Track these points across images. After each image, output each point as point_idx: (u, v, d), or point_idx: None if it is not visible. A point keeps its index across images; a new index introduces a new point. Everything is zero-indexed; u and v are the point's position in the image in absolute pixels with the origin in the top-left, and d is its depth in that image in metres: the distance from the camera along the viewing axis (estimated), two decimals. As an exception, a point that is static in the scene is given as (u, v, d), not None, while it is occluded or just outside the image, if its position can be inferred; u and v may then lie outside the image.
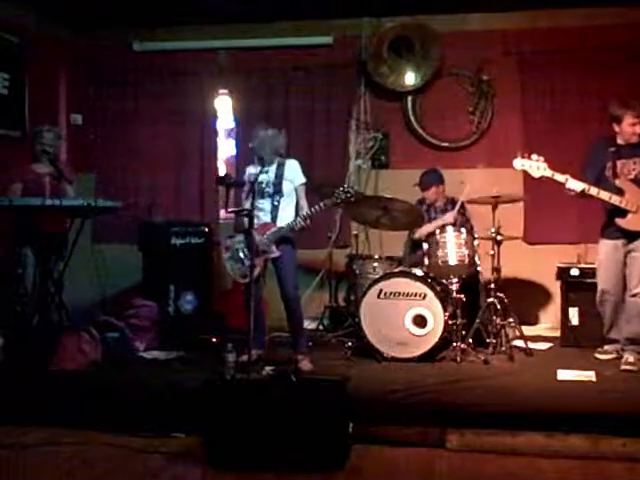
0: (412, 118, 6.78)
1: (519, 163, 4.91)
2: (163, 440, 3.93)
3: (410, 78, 6.68)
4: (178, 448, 3.85)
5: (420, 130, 6.77)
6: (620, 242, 4.91)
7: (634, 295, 4.87)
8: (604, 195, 4.77)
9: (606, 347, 5.14)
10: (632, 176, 4.83)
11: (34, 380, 4.58)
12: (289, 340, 5.12)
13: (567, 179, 4.79)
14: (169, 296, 6.05)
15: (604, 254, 5.00)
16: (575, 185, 4.77)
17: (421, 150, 6.77)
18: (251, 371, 4.27)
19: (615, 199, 4.77)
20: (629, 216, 4.79)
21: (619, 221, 4.83)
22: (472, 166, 6.59)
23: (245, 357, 4.39)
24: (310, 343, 5.32)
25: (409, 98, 6.76)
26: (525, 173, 6.27)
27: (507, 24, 6.56)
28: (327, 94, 6.88)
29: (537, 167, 4.85)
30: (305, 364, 4.91)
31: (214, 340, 5.67)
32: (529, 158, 4.88)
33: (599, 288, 5.05)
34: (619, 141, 4.92)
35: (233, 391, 3.75)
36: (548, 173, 4.83)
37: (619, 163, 4.86)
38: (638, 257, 4.85)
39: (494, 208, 5.34)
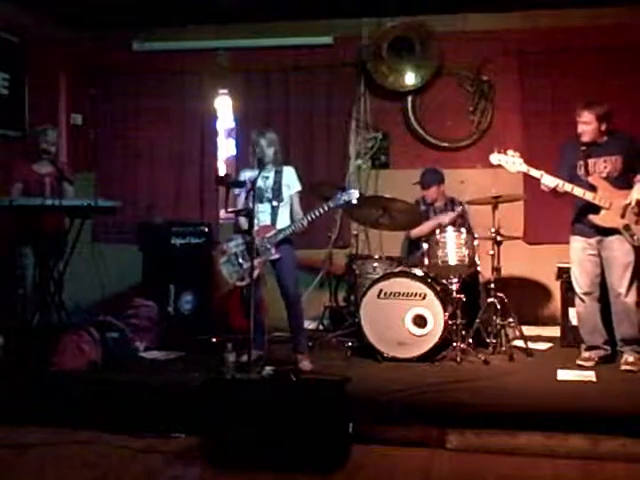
0: (412, 118, 6.78)
1: (495, 158, 4.97)
2: (163, 440, 3.93)
3: (410, 78, 6.68)
4: (178, 448, 3.85)
5: (420, 130, 6.77)
6: (594, 240, 4.91)
7: (619, 295, 4.87)
8: (578, 191, 4.81)
9: (586, 354, 5.03)
10: (604, 174, 4.86)
11: (34, 380, 4.58)
12: (289, 340, 5.13)
13: (542, 175, 4.85)
14: (169, 296, 6.06)
15: (579, 252, 4.98)
16: (549, 181, 4.82)
17: (421, 150, 6.77)
18: (251, 371, 4.27)
19: (589, 195, 4.81)
20: (602, 212, 4.82)
21: (593, 218, 4.85)
22: (472, 166, 6.61)
23: (245, 357, 4.39)
24: (310, 343, 5.32)
25: (409, 98, 6.76)
26: (525, 173, 6.33)
27: (507, 24, 6.56)
28: (327, 94, 6.89)
29: (513, 162, 4.91)
30: (305, 364, 4.91)
31: (214, 340, 5.68)
32: (505, 153, 4.93)
33: (579, 290, 5.01)
34: (585, 139, 4.90)
35: (233, 391, 3.75)
36: (524, 168, 4.89)
37: (590, 162, 4.89)
38: (615, 257, 4.86)
39: (494, 208, 5.34)
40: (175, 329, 5.87)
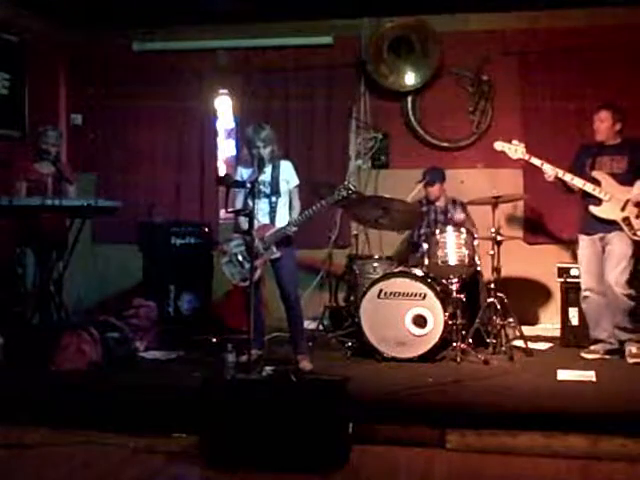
0: (412, 118, 6.77)
1: (499, 145, 5.27)
2: (163, 440, 3.92)
3: (410, 78, 6.67)
4: (178, 448, 3.84)
5: (420, 130, 6.76)
6: (597, 237, 5.10)
7: (610, 286, 5.04)
8: (578, 182, 5.03)
9: (592, 347, 5.24)
10: (608, 171, 5.06)
11: (34, 380, 4.58)
12: (289, 340, 5.12)
13: (542, 163, 5.09)
14: (169, 296, 6.06)
15: (584, 250, 5.19)
16: (549, 169, 5.05)
17: (421, 150, 6.76)
18: (251, 371, 4.27)
19: (589, 186, 5.01)
20: (603, 204, 5.01)
21: (593, 209, 5.05)
22: (472, 166, 6.61)
23: (245, 357, 4.39)
24: (310, 343, 5.33)
25: (409, 98, 6.75)
26: (525, 173, 6.35)
27: (507, 24, 6.55)
28: (327, 94, 6.88)
29: (515, 150, 5.17)
30: (305, 364, 4.90)
31: (214, 340, 5.68)
32: (509, 142, 5.20)
33: (582, 287, 5.23)
34: (599, 138, 5.16)
35: (233, 391, 3.75)
36: (525, 156, 5.14)
37: (597, 159, 5.11)
38: (613, 250, 5.03)
39: (494, 208, 5.35)
40: (175, 329, 5.87)
